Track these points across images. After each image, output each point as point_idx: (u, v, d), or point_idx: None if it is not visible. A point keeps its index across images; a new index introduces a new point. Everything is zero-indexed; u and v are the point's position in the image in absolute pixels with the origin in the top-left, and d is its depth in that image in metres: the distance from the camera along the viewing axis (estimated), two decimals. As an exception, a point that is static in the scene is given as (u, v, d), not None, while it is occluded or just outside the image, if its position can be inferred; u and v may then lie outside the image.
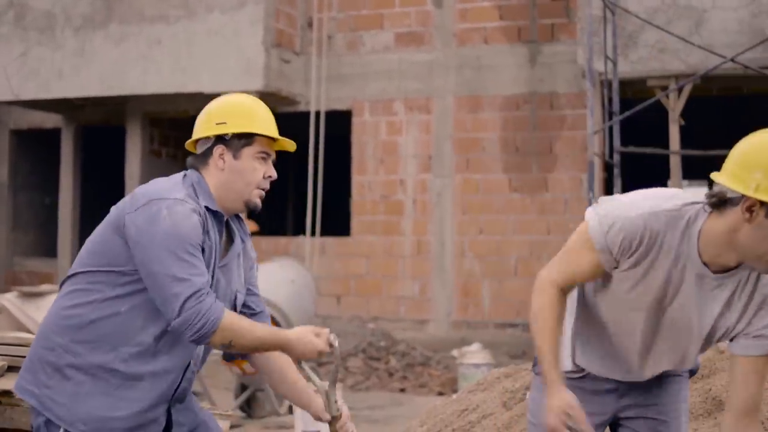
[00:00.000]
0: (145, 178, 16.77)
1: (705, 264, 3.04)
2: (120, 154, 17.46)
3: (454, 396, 6.24)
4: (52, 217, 18.45)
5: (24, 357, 4.58)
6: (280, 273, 10.95)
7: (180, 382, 3.50)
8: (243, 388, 10.70)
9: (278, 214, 23.00)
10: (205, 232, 3.39)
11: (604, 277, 3.21)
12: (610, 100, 12.24)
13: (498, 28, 15.32)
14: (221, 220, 3.50)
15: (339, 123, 16.15)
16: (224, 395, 11.14)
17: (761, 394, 3.14)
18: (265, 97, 15.28)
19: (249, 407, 10.68)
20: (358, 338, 14.15)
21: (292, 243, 16.25)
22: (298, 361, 3.50)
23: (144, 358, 3.40)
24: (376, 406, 11.50)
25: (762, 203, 2.85)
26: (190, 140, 3.60)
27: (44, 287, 12.55)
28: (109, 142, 18.76)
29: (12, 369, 4.61)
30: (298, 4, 16.24)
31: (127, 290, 3.37)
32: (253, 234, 16.52)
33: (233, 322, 3.31)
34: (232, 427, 6.92)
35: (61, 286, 3.51)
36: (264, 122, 3.55)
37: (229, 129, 3.49)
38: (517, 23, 15.21)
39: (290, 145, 3.64)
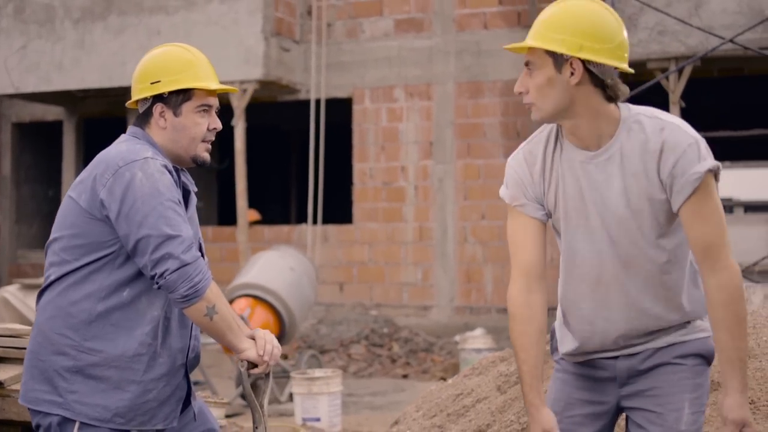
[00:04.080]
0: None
1: (580, 148, 3.17)
2: (122, 146, 17.45)
3: (450, 381, 6.24)
4: (55, 210, 18.40)
5: (15, 348, 4.60)
6: (279, 261, 10.94)
7: (189, 344, 3.47)
8: (244, 376, 10.71)
9: (281, 203, 23.00)
10: (178, 186, 3.34)
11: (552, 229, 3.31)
12: (610, 83, 12.19)
13: (497, 13, 15.28)
14: (178, 173, 3.42)
15: (339, 110, 16.14)
16: (226, 384, 11.17)
17: (714, 232, 3.10)
18: (266, 85, 15.29)
19: (250, 396, 10.69)
20: (360, 325, 14.17)
21: (295, 231, 16.25)
22: (240, 361, 3.39)
23: (160, 333, 3.35)
24: (378, 393, 11.52)
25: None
26: (130, 101, 3.51)
27: (46, 279, 12.59)
28: (110, 133, 18.70)
29: (3, 360, 4.61)
30: (297, -8, 16.22)
31: (124, 273, 3.29)
32: (256, 222, 16.61)
33: (217, 289, 3.26)
34: (229, 416, 6.94)
35: (42, 291, 3.39)
36: (200, 73, 3.45)
37: (165, 87, 3.39)
38: (517, 8, 15.17)
39: (230, 90, 3.54)
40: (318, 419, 8.68)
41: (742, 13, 12.49)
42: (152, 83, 3.41)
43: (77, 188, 3.36)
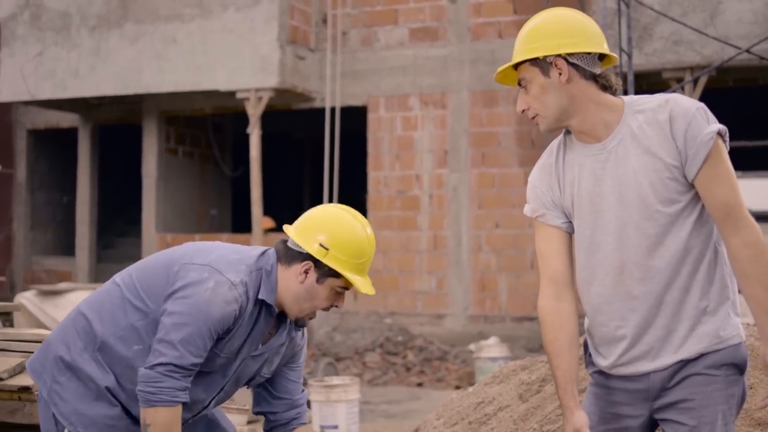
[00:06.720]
0: (162, 176, 16.82)
1: (591, 143, 3.25)
2: (136, 153, 17.51)
3: (471, 389, 6.24)
4: (69, 216, 18.53)
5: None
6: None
7: (203, 409, 3.54)
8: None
9: (294, 210, 23.01)
10: (238, 321, 3.35)
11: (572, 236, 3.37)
12: (625, 92, 12.21)
13: (512, 22, 15.30)
14: (272, 314, 3.45)
15: (354, 119, 16.17)
16: (245, 393, 11.18)
17: (732, 193, 3.16)
18: (281, 93, 15.32)
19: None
20: (375, 333, 14.18)
21: (309, 239, 16.22)
22: None
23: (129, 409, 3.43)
24: (393, 401, 11.52)
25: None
26: (291, 228, 3.46)
27: (62, 285, 12.64)
28: (125, 140, 18.83)
29: (31, 365, 4.64)
30: (313, 0, 16.26)
31: (142, 325, 3.38)
32: (270, 230, 16.62)
33: (171, 419, 3.27)
34: (251, 422, 6.95)
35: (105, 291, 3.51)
36: (363, 268, 3.42)
37: (328, 261, 3.35)
38: (531, 17, 15.15)
39: (370, 292, 3.46)
40: (336, 427, 8.68)
41: (758, 23, 12.50)
42: (320, 245, 3.36)
43: (189, 246, 3.51)
